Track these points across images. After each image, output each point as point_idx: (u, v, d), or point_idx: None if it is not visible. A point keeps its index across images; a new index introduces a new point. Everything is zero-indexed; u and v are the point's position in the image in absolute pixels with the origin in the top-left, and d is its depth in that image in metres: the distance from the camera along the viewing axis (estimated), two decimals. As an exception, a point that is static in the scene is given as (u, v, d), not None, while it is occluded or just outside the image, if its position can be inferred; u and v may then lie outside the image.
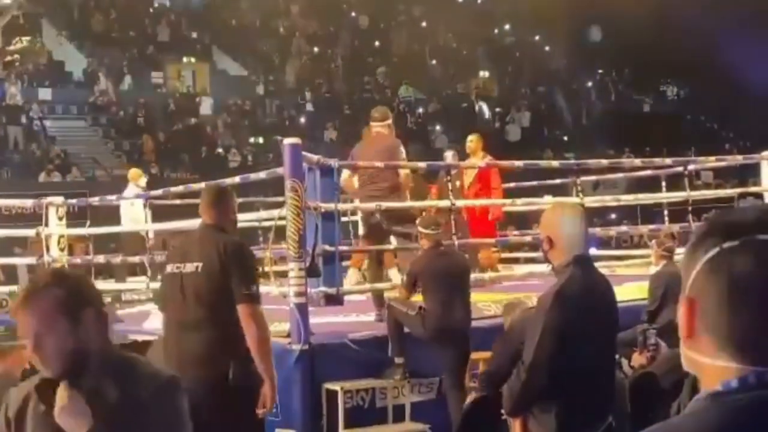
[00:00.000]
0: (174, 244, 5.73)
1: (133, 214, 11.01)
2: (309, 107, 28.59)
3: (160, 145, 24.46)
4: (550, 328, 3.36)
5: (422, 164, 8.42)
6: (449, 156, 10.17)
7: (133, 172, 12.55)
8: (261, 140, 25.96)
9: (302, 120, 27.90)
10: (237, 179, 9.35)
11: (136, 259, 11.14)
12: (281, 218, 7.17)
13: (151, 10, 30.14)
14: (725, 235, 1.28)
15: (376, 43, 33.12)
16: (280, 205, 7.81)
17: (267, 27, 31.82)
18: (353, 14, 33.71)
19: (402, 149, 7.91)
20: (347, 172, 7.82)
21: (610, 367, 3.65)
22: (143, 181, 12.21)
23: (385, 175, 7.74)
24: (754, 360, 1.26)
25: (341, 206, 7.41)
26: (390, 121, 8.09)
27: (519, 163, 8.97)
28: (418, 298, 6.58)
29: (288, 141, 7.17)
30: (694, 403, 1.29)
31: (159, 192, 10.43)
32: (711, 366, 1.29)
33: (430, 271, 6.52)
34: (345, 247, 8.16)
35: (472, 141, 9.95)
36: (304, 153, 7.15)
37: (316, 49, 31.73)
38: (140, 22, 29.26)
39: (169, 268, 4.73)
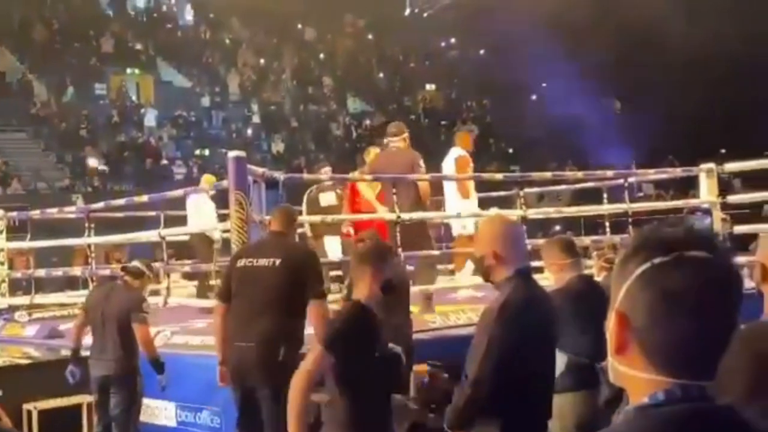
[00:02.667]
0: (246, 246, 6.36)
1: (201, 219, 10.05)
2: (255, 119, 28.47)
3: (103, 157, 24.16)
4: (495, 342, 3.32)
5: (423, 177, 8.51)
6: (329, 171, 10.28)
7: (206, 177, 11.40)
8: (207, 152, 25.78)
9: (249, 132, 27.77)
10: (181, 192, 9.29)
11: (77, 271, 10.98)
12: (226, 231, 7.13)
13: (95, 21, 29.78)
14: (656, 251, 1.31)
15: (322, 56, 33.13)
16: (225, 218, 7.78)
17: (212, 39, 31.65)
18: (299, 26, 33.68)
19: (421, 162, 8.28)
20: (369, 188, 8.14)
21: (551, 380, 3.66)
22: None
23: (407, 189, 8.04)
24: (680, 374, 1.29)
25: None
26: (406, 135, 8.39)
27: (463, 176, 9.03)
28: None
29: (232, 154, 7.15)
30: (622, 415, 1.31)
31: (101, 205, 10.29)
32: (639, 379, 1.31)
33: None
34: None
35: (369, 154, 9.91)
36: (249, 166, 7.13)
37: (262, 61, 31.63)
38: (84, 33, 28.89)
39: (241, 263, 5.36)
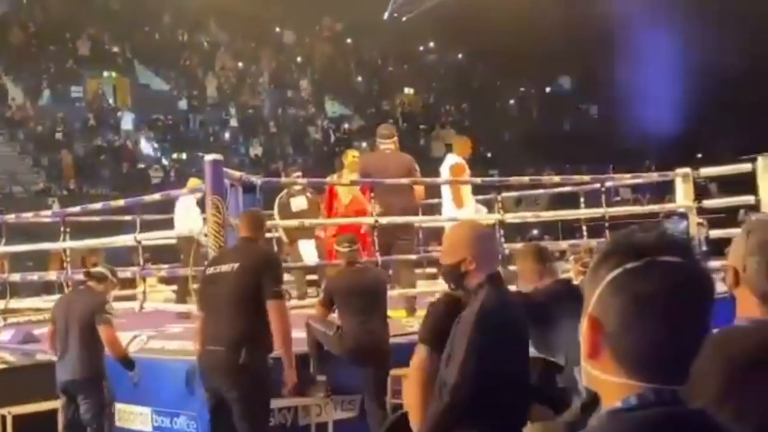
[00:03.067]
0: (217, 253, 6.50)
1: (188, 222, 9.78)
2: (233, 123, 28.39)
3: (79, 161, 24.00)
4: (476, 348, 3.30)
5: (410, 180, 8.57)
6: (299, 175, 10.31)
7: (192, 180, 11.40)
8: (184, 156, 25.68)
9: (226, 135, 27.68)
10: (157, 196, 9.25)
11: (53, 276, 10.90)
12: (203, 235, 7.11)
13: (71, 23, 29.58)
14: (628, 256, 1.32)
15: (300, 59, 33.08)
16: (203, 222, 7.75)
17: (190, 41, 31.52)
18: (277, 29, 33.63)
19: (416, 165, 8.57)
20: (348, 191, 8.32)
21: (527, 385, 3.66)
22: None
23: (405, 191, 8.31)
24: (653, 378, 1.30)
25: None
26: (396, 138, 8.58)
27: (441, 180, 9.06)
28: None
29: (209, 158, 7.13)
30: (595, 420, 1.32)
31: (77, 209, 10.22)
32: (612, 383, 1.32)
33: (344, 288, 6.52)
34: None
35: (356, 156, 9.91)
36: (225, 170, 7.12)
37: (240, 64, 31.55)
38: (60, 36, 28.70)
39: (209, 271, 5.58)
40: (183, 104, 28.43)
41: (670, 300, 1.29)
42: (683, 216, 10.43)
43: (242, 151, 26.87)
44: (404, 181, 8.38)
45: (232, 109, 28.75)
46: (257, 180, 7.60)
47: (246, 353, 5.18)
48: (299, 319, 6.99)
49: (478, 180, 10.93)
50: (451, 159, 9.25)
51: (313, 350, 6.43)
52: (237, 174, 7.41)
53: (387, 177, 8.27)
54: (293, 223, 8.94)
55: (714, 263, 7.78)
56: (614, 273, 1.32)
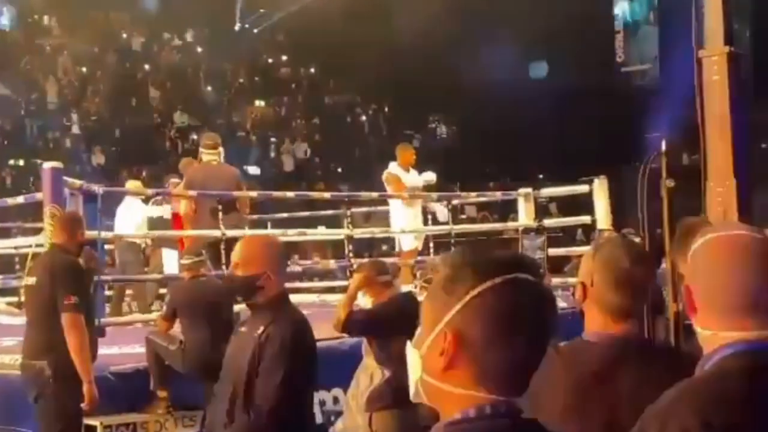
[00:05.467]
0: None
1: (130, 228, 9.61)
2: (75, 130, 27.43)
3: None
4: (291, 369, 3.28)
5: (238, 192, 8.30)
6: (176, 182, 10.24)
7: (131, 182, 11.27)
8: (21, 163, 24.64)
9: (67, 143, 26.72)
10: (-7, 202, 8.85)
11: None
12: (39, 245, 6.84)
13: None
14: (488, 273, 1.37)
15: (147, 67, 32.34)
16: (39, 231, 7.46)
17: (31, 44, 30.28)
18: (124, 35, 32.77)
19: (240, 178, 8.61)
20: (186, 203, 8.15)
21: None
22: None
23: (235, 205, 8.23)
24: (498, 390, 1.34)
25: (104, 234, 7.19)
26: (221, 149, 8.45)
27: (291, 194, 9.05)
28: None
29: (48, 165, 6.89)
30: (432, 430, 1.35)
31: None
32: (454, 395, 1.35)
33: (187, 301, 6.40)
34: (108, 277, 7.97)
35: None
36: (65, 178, 6.89)
37: (84, 70, 30.55)
38: None
39: (26, 281, 5.66)
40: (21, 109, 27.27)
41: (528, 316, 1.35)
42: (539, 232, 10.77)
43: (84, 159, 25.99)
44: (249, 193, 8.32)
45: (74, 115, 27.78)
46: (98, 189, 7.36)
47: (47, 366, 5.21)
48: (142, 332, 6.81)
49: (327, 195, 10.97)
50: (389, 167, 9.71)
51: (153, 365, 6.26)
52: (78, 183, 7.17)
53: (214, 191, 8.16)
54: (140, 235, 8.73)
55: (554, 280, 8.06)
56: (478, 289, 1.35)
